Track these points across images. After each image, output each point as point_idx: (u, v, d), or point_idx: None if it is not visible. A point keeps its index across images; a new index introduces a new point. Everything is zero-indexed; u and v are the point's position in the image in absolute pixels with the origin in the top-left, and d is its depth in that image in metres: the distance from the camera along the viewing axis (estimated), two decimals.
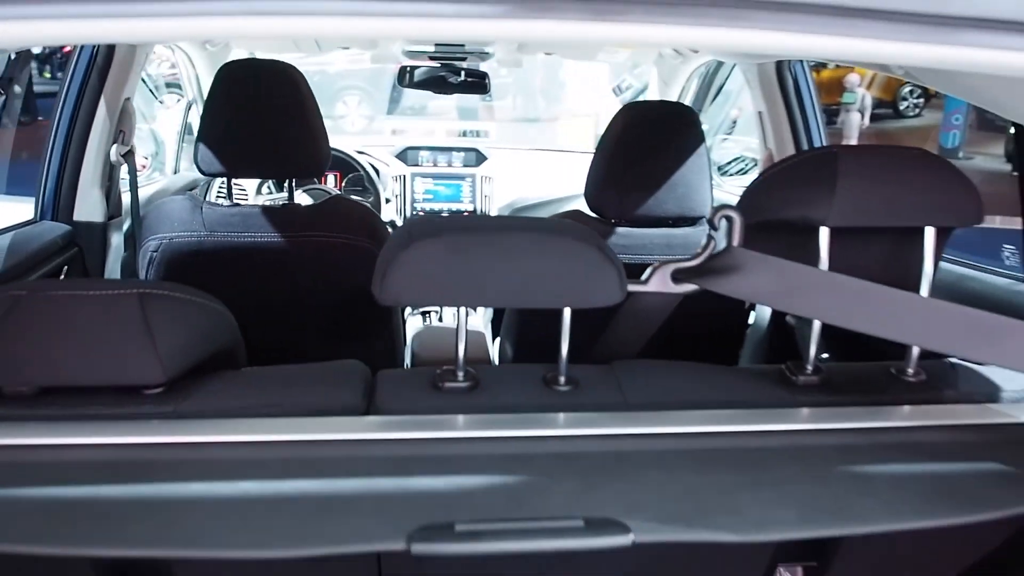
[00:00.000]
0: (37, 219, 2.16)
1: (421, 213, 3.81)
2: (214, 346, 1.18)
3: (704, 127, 3.60)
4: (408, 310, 3.52)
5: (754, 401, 1.22)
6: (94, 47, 2.08)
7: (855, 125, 11.26)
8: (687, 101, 3.35)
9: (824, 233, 1.23)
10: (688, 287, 1.26)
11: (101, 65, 2.12)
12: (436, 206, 3.83)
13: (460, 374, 1.20)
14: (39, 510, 0.95)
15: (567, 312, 1.17)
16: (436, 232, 1.13)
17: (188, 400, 1.11)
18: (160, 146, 3.57)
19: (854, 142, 10.64)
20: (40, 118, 7.39)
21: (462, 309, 1.17)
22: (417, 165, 3.92)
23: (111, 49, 2.11)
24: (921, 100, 12.41)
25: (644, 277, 1.27)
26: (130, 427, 1.06)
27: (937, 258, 1.30)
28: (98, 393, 1.10)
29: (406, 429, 1.10)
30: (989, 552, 1.37)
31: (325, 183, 3.53)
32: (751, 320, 2.33)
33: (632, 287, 1.23)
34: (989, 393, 1.27)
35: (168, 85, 3.65)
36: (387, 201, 3.68)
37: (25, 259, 1.90)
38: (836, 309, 1.14)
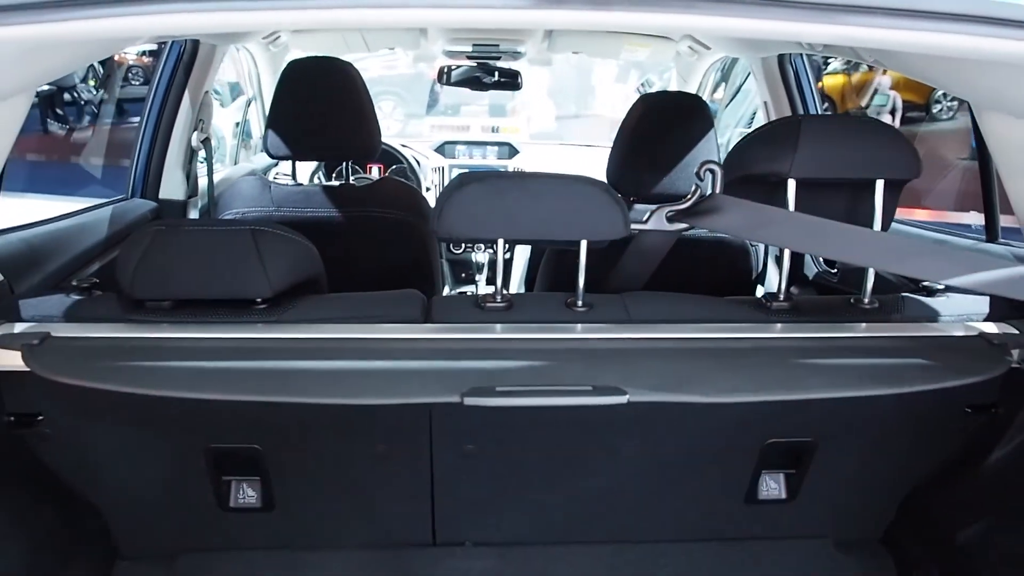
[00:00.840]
0: (128, 196, 2.47)
1: None
2: (305, 274, 1.51)
3: (725, 123, 3.84)
4: (447, 289, 3.83)
5: (735, 318, 1.52)
6: (182, 47, 2.40)
7: None
8: (705, 96, 3.60)
9: (791, 185, 1.52)
10: (680, 225, 1.56)
11: (187, 62, 2.43)
12: None
13: (498, 297, 1.51)
14: (180, 374, 1.29)
15: (583, 245, 1.47)
16: (482, 178, 1.46)
17: (288, 311, 1.44)
18: (220, 140, 3.91)
19: None
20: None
21: (501, 243, 1.47)
22: (454, 158, 4.24)
23: (196, 47, 2.43)
24: (955, 103, 12.25)
25: (644, 218, 1.58)
26: (245, 328, 1.40)
27: (888, 209, 1.57)
28: (219, 304, 1.43)
29: (456, 332, 1.43)
30: (938, 470, 1.65)
31: (370, 173, 3.85)
32: (759, 294, 2.59)
33: (636, 226, 1.54)
34: (929, 316, 1.55)
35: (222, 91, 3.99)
36: (427, 190, 3.99)
37: (123, 228, 2.21)
38: (794, 238, 1.44)
